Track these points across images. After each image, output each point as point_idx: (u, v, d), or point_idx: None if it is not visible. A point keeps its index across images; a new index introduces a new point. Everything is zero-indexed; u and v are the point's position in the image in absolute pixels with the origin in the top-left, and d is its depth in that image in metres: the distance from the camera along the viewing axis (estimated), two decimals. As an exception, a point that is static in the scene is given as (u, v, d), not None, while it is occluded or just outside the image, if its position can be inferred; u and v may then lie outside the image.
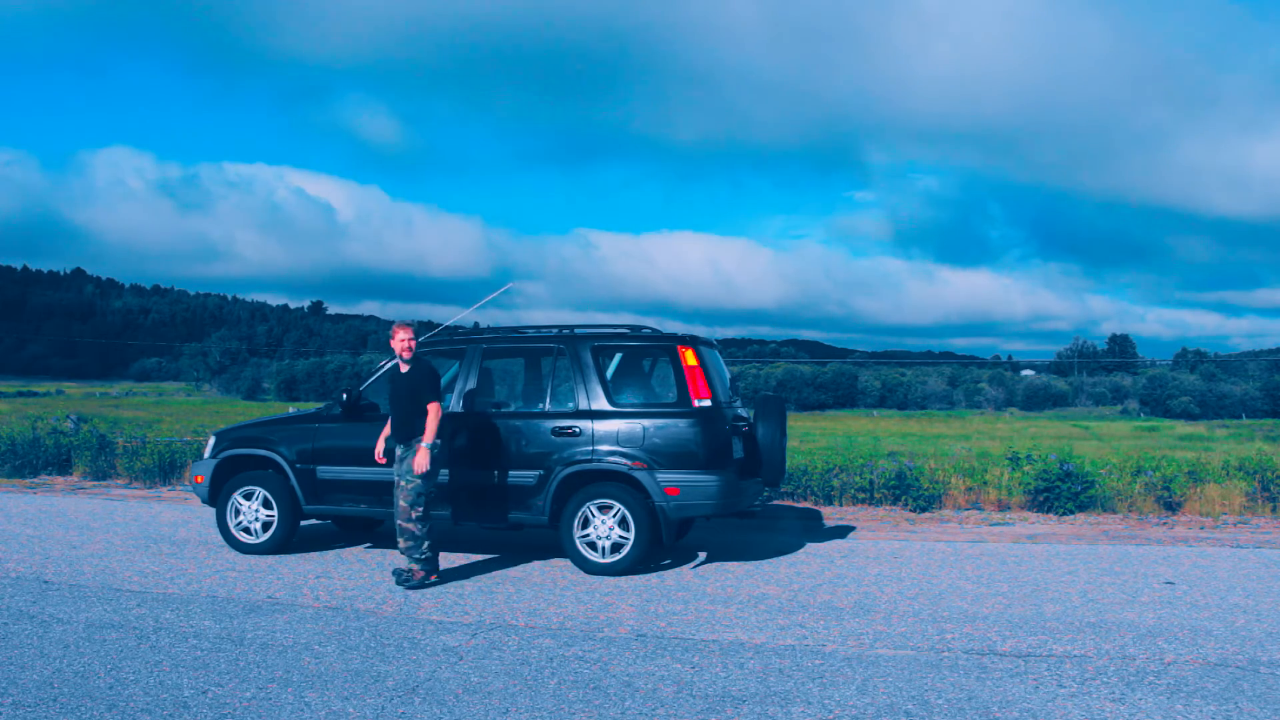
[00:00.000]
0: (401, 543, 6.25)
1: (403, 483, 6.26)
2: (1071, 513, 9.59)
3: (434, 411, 6.27)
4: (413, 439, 6.27)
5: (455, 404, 7.11)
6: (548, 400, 6.98)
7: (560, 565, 6.96)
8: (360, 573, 6.69)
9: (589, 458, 6.71)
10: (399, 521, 6.22)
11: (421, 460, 6.19)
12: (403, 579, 6.23)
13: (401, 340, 6.39)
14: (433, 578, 6.32)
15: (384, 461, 6.59)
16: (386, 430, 6.57)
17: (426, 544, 6.23)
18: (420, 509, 6.21)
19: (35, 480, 12.48)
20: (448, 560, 7.18)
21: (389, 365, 7.54)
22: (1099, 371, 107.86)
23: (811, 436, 30.51)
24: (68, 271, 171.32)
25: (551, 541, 7.48)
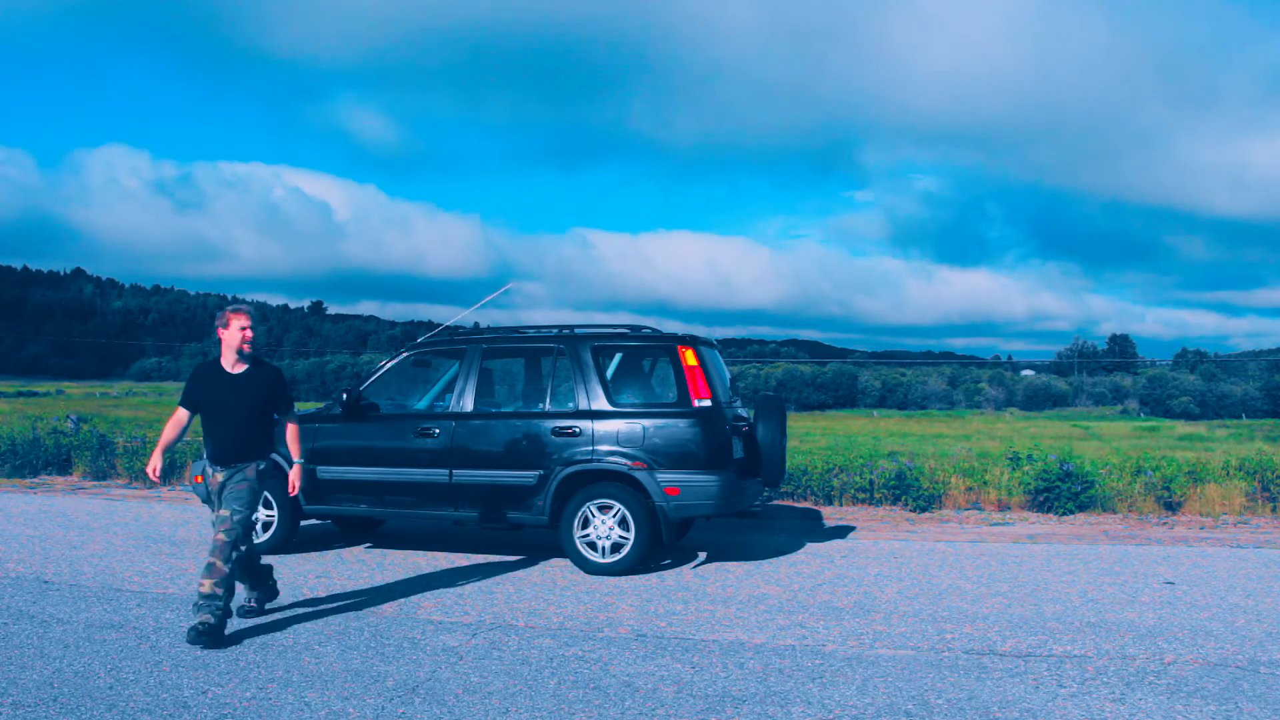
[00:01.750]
0: (206, 584, 4.83)
1: (225, 511, 4.97)
2: (1071, 513, 9.59)
3: (295, 429, 5.30)
4: (246, 462, 5.07)
5: (455, 404, 7.11)
6: (548, 400, 6.98)
7: (560, 565, 6.96)
8: (360, 573, 6.69)
9: (589, 458, 6.71)
10: (213, 560, 4.87)
11: (298, 478, 5.23)
12: (198, 626, 4.77)
13: (238, 331, 5.04)
14: (225, 630, 4.91)
15: (156, 480, 5.15)
16: (164, 442, 5.13)
17: (229, 593, 4.94)
18: (243, 545, 5.03)
19: (35, 480, 12.48)
20: (448, 560, 7.18)
21: (389, 364, 7.54)
22: (1099, 371, 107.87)
23: (811, 436, 30.49)
24: (67, 271, 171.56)
25: (551, 541, 7.48)
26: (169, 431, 5.14)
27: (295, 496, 7.23)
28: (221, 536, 4.91)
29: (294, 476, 5.27)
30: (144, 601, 5.76)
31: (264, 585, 5.43)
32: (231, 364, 5.10)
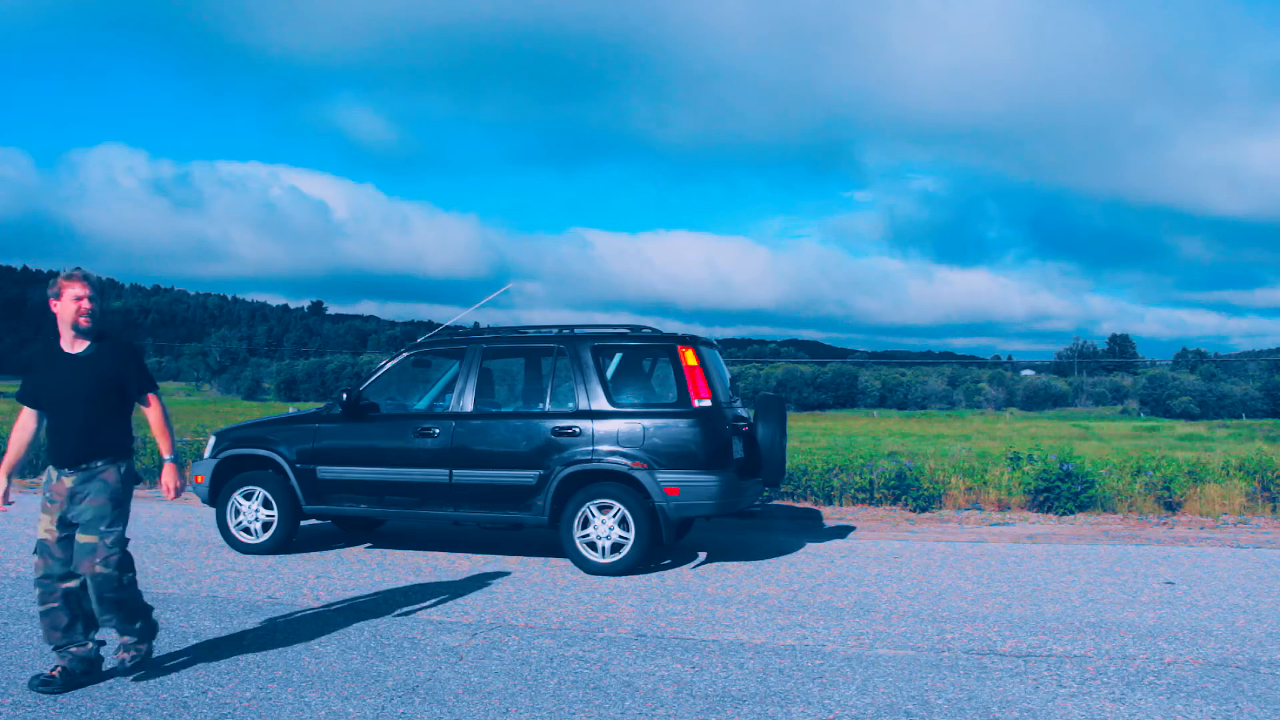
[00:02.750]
0: (110, 619, 4.19)
1: (93, 537, 4.10)
2: (1071, 513, 9.59)
3: (159, 410, 4.33)
4: (100, 462, 4.18)
5: (455, 404, 7.12)
6: (548, 400, 6.98)
7: (560, 565, 6.96)
8: (360, 573, 6.70)
9: (589, 458, 6.71)
10: (107, 594, 4.12)
11: (173, 478, 4.33)
12: (128, 665, 4.27)
13: (72, 302, 4.13)
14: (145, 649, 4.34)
15: (4, 506, 4.26)
16: (10, 458, 4.28)
17: (143, 614, 4.32)
18: (131, 568, 4.23)
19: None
20: (448, 560, 7.18)
21: (389, 364, 7.54)
22: (1099, 371, 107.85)
23: (811, 436, 30.50)
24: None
25: (551, 541, 7.48)
26: (15, 444, 4.31)
27: (295, 497, 7.27)
28: (100, 568, 4.08)
29: (166, 477, 4.33)
30: (144, 601, 5.76)
31: (81, 651, 4.23)
32: (70, 342, 4.20)
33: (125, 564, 4.18)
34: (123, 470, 4.24)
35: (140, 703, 3.99)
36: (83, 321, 4.15)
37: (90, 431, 4.17)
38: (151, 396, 4.33)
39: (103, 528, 4.12)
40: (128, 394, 4.28)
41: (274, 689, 4.18)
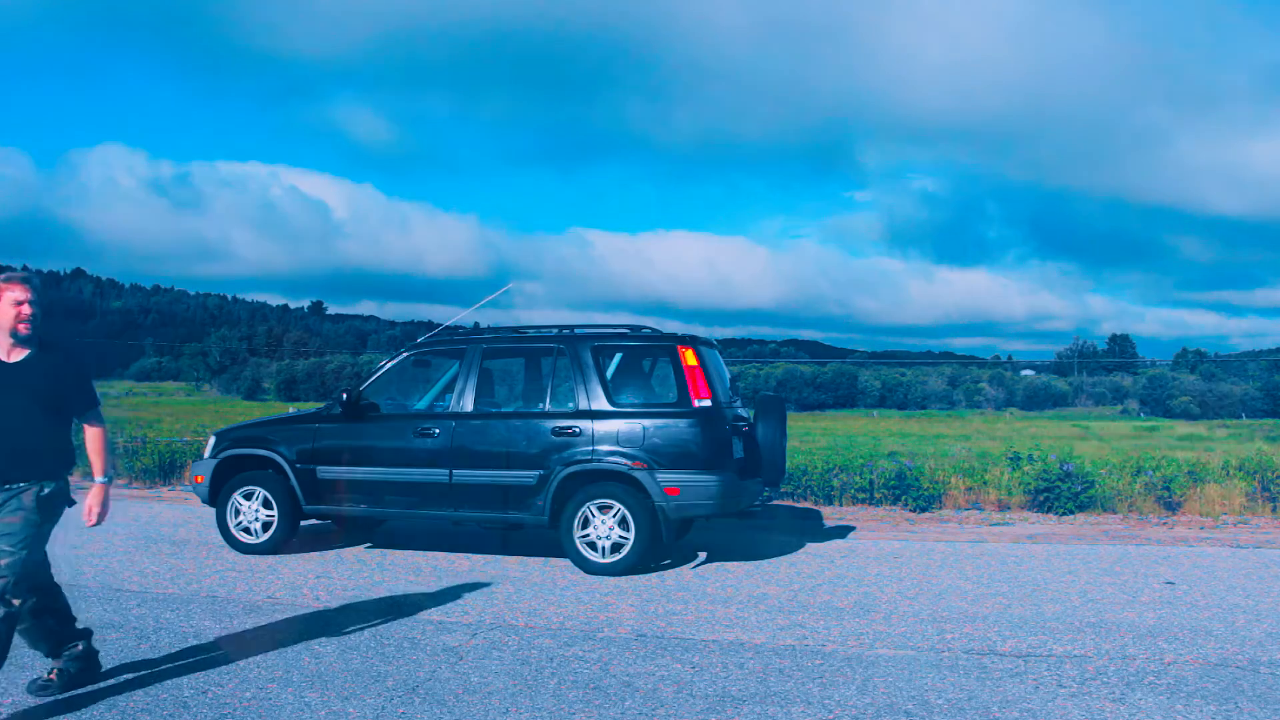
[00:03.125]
0: None
1: None
2: (1071, 513, 9.59)
3: (99, 430, 4.03)
4: (24, 482, 3.79)
5: (455, 404, 7.12)
6: (548, 400, 6.99)
7: (560, 565, 6.96)
8: (360, 573, 6.70)
9: (589, 458, 6.71)
10: None
11: (99, 502, 3.97)
12: None
13: (11, 306, 3.84)
14: None
15: None
16: None
17: None
18: (16, 600, 3.73)
19: None
20: (448, 560, 7.18)
21: (389, 364, 7.54)
22: (1099, 371, 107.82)
23: (811, 436, 30.49)
24: (67, 271, 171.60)
25: (551, 541, 7.48)
26: None
27: (295, 497, 7.27)
28: None
29: (91, 498, 3.97)
30: (144, 601, 5.76)
31: (71, 652, 4.13)
32: (7, 350, 3.87)
33: (7, 598, 3.70)
34: (45, 492, 3.82)
35: (140, 703, 3.99)
36: (22, 329, 3.84)
37: (20, 450, 3.81)
38: (94, 415, 4.04)
39: (4, 546, 3.71)
40: (66, 408, 3.96)
41: (274, 689, 4.18)
